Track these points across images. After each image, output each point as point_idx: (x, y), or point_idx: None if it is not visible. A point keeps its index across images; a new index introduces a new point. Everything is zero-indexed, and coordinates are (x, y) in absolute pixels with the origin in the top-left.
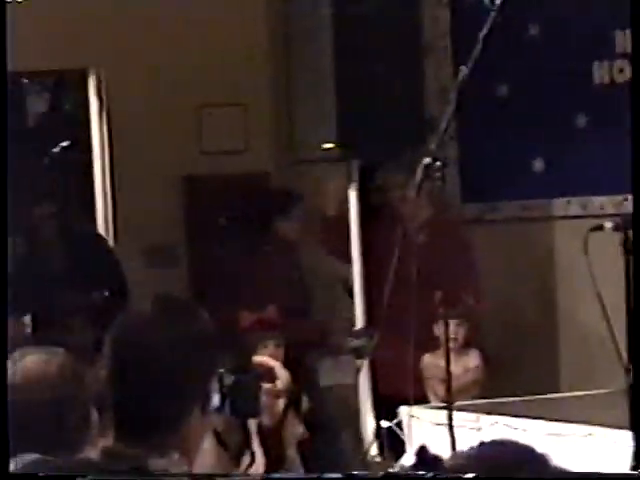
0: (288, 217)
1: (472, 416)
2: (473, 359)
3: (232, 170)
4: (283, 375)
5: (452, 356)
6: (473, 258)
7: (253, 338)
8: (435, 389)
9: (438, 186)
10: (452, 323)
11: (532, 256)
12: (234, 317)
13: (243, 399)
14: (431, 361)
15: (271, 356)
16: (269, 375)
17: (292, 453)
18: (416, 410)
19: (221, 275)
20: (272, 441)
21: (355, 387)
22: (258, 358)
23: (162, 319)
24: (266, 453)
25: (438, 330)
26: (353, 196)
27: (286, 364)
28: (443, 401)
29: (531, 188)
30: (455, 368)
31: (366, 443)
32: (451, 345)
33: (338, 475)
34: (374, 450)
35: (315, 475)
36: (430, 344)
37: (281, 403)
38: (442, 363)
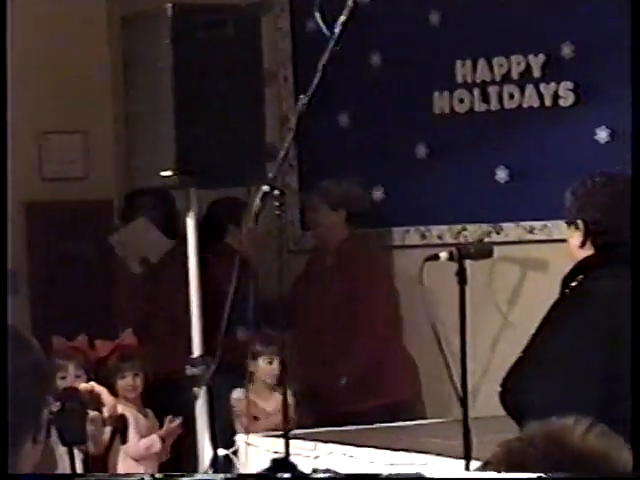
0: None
1: (310, 444)
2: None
3: (73, 197)
4: (109, 402)
5: (266, 393)
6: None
7: (109, 368)
8: (245, 425)
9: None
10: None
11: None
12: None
13: (69, 427)
14: (240, 396)
15: (130, 387)
16: (96, 402)
17: None
18: (253, 438)
19: (68, 302)
20: (97, 470)
21: (192, 415)
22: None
23: None
24: None
25: (253, 365)
26: (191, 224)
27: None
28: (278, 429)
29: (370, 217)
30: (267, 405)
31: (202, 470)
32: (266, 381)
33: (337, 474)
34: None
35: (312, 475)
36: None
37: (107, 431)
38: (254, 398)
